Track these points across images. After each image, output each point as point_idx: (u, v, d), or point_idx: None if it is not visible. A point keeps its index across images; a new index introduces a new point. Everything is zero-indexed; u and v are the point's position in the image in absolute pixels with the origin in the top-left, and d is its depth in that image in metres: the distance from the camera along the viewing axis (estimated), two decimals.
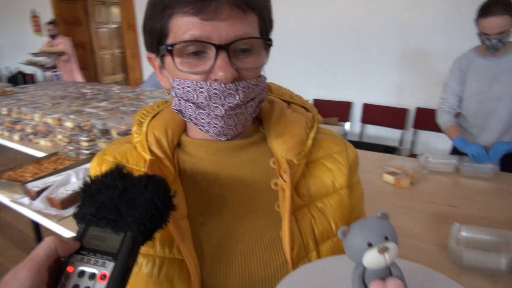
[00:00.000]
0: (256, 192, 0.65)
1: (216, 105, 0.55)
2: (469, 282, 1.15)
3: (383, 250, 0.37)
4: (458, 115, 2.26)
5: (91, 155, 2.11)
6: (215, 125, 0.58)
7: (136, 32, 5.37)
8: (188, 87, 0.56)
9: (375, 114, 3.67)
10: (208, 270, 0.59)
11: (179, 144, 0.68)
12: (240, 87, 0.55)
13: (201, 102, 0.56)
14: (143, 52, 5.36)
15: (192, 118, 0.59)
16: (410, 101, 3.49)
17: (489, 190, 1.82)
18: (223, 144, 0.65)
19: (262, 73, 0.61)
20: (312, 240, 0.62)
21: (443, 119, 2.21)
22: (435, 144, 3.42)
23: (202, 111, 0.57)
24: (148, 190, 0.49)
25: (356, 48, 3.63)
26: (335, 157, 0.68)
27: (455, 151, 2.22)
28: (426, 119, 3.37)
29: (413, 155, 3.28)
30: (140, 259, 0.59)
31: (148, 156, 0.62)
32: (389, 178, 1.86)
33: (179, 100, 0.59)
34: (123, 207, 0.47)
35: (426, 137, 3.48)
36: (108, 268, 0.45)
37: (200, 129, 0.60)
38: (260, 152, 0.67)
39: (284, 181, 0.62)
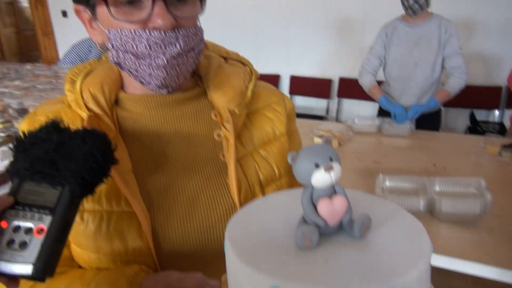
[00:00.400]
0: (200, 145, 0.66)
1: (158, 54, 0.55)
2: None
3: (329, 169, 0.40)
4: (382, 83, 2.43)
5: (8, 138, 1.94)
6: (157, 76, 0.57)
7: (47, 8, 4.92)
8: (126, 36, 0.54)
9: (302, 85, 3.80)
10: (157, 220, 0.60)
11: (116, 102, 0.66)
12: (180, 35, 0.55)
13: (141, 52, 0.55)
14: (57, 29, 4.94)
15: (133, 71, 0.58)
16: (334, 72, 3.66)
17: (406, 146, 2.01)
18: (163, 99, 0.64)
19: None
20: (257, 185, 0.65)
21: (366, 79, 2.36)
22: (357, 111, 3.65)
23: (143, 62, 0.56)
24: (86, 143, 0.48)
25: (281, 21, 3.69)
26: (274, 107, 0.71)
27: (380, 114, 2.40)
28: (349, 88, 3.56)
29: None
30: (86, 216, 0.58)
31: (85, 113, 0.60)
32: (319, 141, 1.96)
33: (117, 52, 0.57)
34: (60, 160, 0.46)
35: (350, 105, 3.69)
36: (45, 222, 0.44)
37: (141, 82, 0.59)
38: (201, 106, 0.68)
39: (227, 130, 0.64)
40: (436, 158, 1.82)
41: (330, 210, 0.41)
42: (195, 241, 0.60)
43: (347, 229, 0.43)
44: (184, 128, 0.66)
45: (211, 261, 0.62)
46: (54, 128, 0.49)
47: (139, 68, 0.56)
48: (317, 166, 0.41)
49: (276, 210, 0.49)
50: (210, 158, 0.66)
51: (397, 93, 2.34)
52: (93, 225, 0.57)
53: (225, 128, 0.64)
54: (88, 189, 0.49)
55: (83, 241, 0.58)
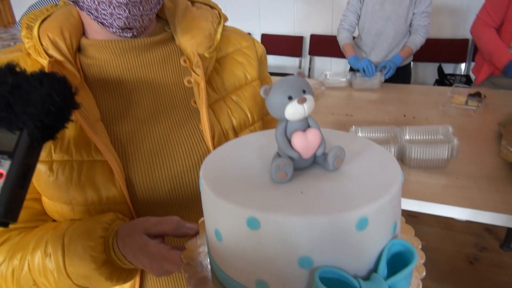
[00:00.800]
0: (169, 92, 0.64)
1: None
2: None
3: (302, 101, 0.40)
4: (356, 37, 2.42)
5: None
6: (119, 16, 0.54)
7: None
8: None
9: (273, 44, 3.74)
10: (130, 167, 0.58)
11: (79, 50, 0.62)
12: None
13: None
14: None
15: (92, 11, 0.54)
16: (305, 29, 3.61)
17: (377, 99, 2.04)
18: (128, 44, 0.61)
19: None
20: (231, 130, 0.64)
21: (341, 36, 2.36)
22: (329, 69, 3.65)
23: (103, 0, 0.52)
24: (44, 86, 0.45)
25: None
26: (245, 51, 0.69)
27: (351, 70, 2.41)
28: (320, 46, 3.53)
29: None
30: (55, 167, 0.56)
31: (45, 60, 0.56)
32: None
33: None
34: (17, 103, 0.44)
35: (322, 63, 3.68)
36: (4, 166, 0.43)
37: (102, 23, 0.56)
38: (169, 51, 0.65)
39: (197, 75, 0.62)
40: (405, 109, 1.86)
41: (304, 142, 0.41)
42: (170, 187, 0.60)
43: (321, 161, 0.43)
44: (152, 75, 0.64)
45: (188, 206, 0.62)
46: (9, 70, 0.47)
47: (98, 7, 0.53)
48: (290, 98, 0.40)
49: (251, 149, 0.49)
50: (181, 105, 0.64)
51: (368, 47, 2.35)
52: (63, 175, 0.55)
53: (195, 73, 0.62)
54: (48, 133, 0.47)
55: (55, 192, 0.56)
